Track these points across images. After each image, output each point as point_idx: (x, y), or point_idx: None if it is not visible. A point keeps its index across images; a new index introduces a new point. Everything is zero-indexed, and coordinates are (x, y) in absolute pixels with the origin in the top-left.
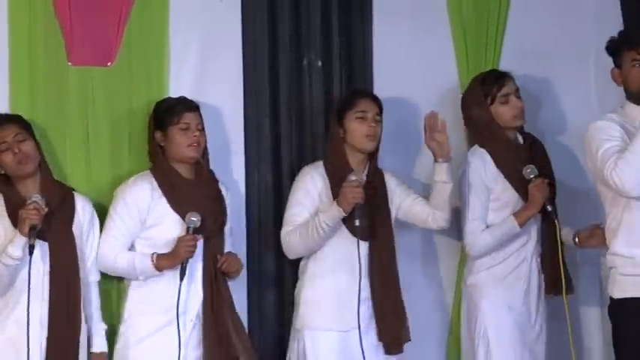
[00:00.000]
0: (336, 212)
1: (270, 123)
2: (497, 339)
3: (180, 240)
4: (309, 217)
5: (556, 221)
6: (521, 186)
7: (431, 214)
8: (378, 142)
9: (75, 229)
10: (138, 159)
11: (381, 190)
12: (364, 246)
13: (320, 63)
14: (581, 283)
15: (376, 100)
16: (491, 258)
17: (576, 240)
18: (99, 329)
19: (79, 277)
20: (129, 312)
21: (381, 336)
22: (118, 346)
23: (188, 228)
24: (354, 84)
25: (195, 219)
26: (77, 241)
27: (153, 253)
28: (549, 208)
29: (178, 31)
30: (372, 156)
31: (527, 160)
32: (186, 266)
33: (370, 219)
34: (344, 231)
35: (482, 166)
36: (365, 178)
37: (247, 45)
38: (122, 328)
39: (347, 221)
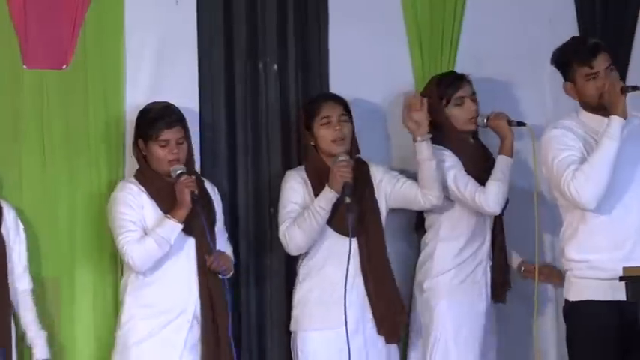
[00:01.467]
0: (329, 194)
1: (225, 126)
2: (457, 342)
3: (178, 183)
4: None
5: (528, 126)
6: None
7: (419, 193)
8: (350, 141)
9: (3, 230)
10: (94, 162)
11: (368, 186)
12: (354, 243)
13: (276, 66)
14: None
15: (338, 100)
16: (449, 261)
17: (521, 269)
18: (39, 337)
19: (7, 277)
20: (127, 316)
21: (378, 328)
22: (117, 349)
23: (178, 175)
24: (310, 87)
25: (178, 166)
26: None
27: (165, 215)
28: (515, 123)
29: (134, 34)
30: (351, 153)
31: (483, 159)
32: (196, 198)
33: (359, 214)
34: (332, 231)
35: (451, 155)
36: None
37: (203, 48)
38: (120, 332)
39: (333, 221)
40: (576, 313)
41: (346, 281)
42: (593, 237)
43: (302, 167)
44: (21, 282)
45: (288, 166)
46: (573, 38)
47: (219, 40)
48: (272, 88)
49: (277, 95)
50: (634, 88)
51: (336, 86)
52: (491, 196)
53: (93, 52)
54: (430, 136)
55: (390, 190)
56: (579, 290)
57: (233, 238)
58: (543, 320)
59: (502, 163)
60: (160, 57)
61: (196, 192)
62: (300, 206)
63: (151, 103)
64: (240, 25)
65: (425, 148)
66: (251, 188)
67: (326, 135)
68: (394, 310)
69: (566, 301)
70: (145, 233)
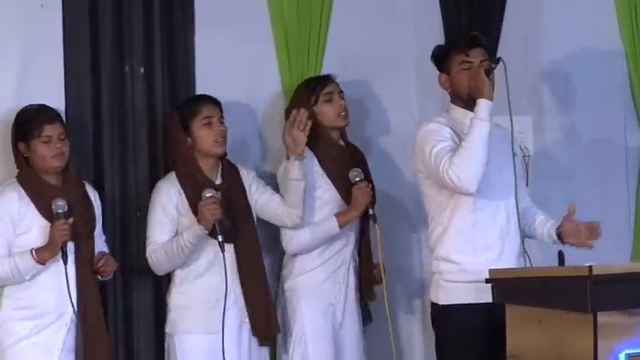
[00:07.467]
0: (199, 231)
1: (92, 129)
2: (314, 341)
3: (53, 227)
4: (170, 232)
5: (376, 225)
6: (343, 187)
7: (286, 212)
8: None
9: None
10: None
11: (239, 189)
12: (229, 248)
13: (142, 69)
14: (403, 287)
15: (217, 103)
16: (310, 262)
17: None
18: None
19: None
20: (3, 318)
21: (254, 331)
22: None
23: (57, 214)
24: (177, 89)
25: (61, 203)
26: None
27: (31, 250)
28: (371, 211)
29: None
30: (223, 157)
31: (350, 163)
32: (66, 251)
33: (232, 221)
34: (208, 237)
35: (318, 168)
36: (221, 179)
37: (69, 51)
38: None
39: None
40: (446, 317)
41: (226, 287)
42: (462, 239)
43: (173, 175)
44: None
45: (155, 168)
46: (458, 33)
47: (85, 42)
48: (139, 90)
49: (144, 98)
50: (496, 61)
51: (203, 88)
52: (296, 239)
53: None
54: (304, 157)
55: (256, 199)
56: (449, 294)
57: None
58: (409, 324)
59: (330, 224)
60: (26, 59)
61: (68, 240)
62: (168, 228)
63: (24, 107)
64: (106, 28)
65: (297, 168)
66: (118, 190)
67: (208, 135)
68: (268, 313)
69: (435, 304)
70: (9, 249)
